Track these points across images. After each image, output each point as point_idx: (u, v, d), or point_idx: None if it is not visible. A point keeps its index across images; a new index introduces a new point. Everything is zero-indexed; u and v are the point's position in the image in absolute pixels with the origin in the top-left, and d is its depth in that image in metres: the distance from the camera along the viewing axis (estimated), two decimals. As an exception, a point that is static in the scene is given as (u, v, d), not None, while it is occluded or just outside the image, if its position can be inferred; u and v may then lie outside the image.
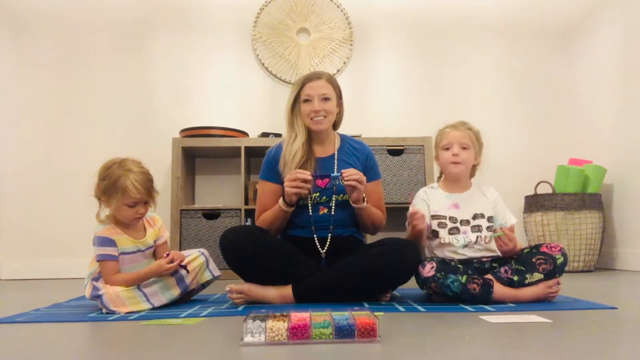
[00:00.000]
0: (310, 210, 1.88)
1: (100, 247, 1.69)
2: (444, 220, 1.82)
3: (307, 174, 1.75)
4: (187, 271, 1.76)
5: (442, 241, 1.81)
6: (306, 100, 1.90)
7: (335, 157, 1.96)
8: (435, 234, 1.83)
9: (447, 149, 1.85)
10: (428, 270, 1.66)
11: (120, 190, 1.68)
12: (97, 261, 1.70)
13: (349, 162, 1.95)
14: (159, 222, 1.87)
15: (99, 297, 1.65)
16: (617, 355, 0.99)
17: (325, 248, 1.87)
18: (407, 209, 1.92)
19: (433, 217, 1.84)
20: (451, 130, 1.86)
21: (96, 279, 1.70)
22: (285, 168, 1.88)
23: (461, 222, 1.82)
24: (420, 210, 1.77)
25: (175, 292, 1.75)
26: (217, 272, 1.91)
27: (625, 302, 1.73)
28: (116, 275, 1.69)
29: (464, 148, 1.83)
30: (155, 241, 1.83)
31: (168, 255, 1.71)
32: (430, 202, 1.87)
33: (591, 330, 1.25)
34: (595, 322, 1.34)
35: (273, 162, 1.96)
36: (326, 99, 1.90)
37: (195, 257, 1.85)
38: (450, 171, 1.86)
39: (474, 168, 1.92)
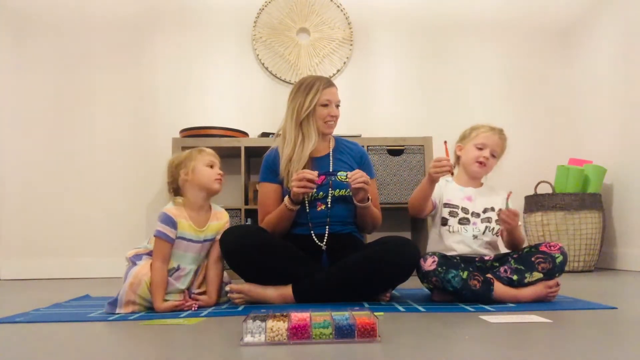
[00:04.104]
0: (307, 208, 1.89)
1: (160, 224, 1.69)
2: (455, 210, 1.84)
3: (313, 174, 1.77)
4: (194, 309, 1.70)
5: (451, 230, 1.82)
6: (324, 105, 1.94)
7: (331, 156, 2.00)
8: (444, 222, 1.84)
9: (480, 148, 1.86)
10: (429, 264, 1.66)
11: (194, 153, 1.79)
12: (154, 235, 1.69)
13: (344, 160, 2.00)
14: (225, 217, 1.84)
15: (133, 264, 1.67)
16: (617, 355, 0.99)
17: (325, 241, 1.88)
18: (407, 209, 1.93)
19: (445, 205, 1.86)
20: (491, 134, 1.87)
21: (138, 258, 1.71)
22: (291, 169, 1.89)
23: (472, 214, 1.84)
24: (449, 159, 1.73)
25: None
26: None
27: (625, 302, 1.73)
28: (157, 262, 1.65)
29: (494, 155, 1.87)
30: (216, 236, 1.79)
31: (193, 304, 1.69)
32: (444, 190, 1.89)
33: (591, 330, 1.25)
34: (595, 322, 1.34)
35: (272, 165, 1.98)
36: (338, 106, 1.99)
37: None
38: (473, 170, 1.88)
39: None
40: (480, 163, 1.85)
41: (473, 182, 1.92)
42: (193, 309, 1.67)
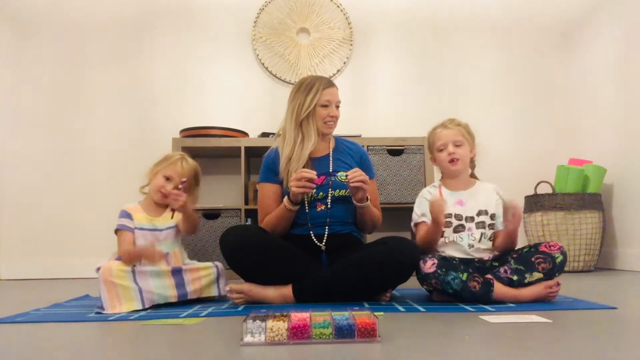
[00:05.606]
0: (307, 208, 1.89)
1: (119, 219, 1.87)
2: (449, 219, 1.82)
3: (312, 173, 1.77)
4: (180, 188, 1.86)
5: (447, 240, 1.81)
6: (324, 105, 1.94)
7: (330, 156, 2.00)
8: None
9: (442, 149, 1.86)
10: (429, 266, 1.66)
11: (168, 160, 1.95)
12: (115, 232, 1.87)
13: (344, 160, 2.00)
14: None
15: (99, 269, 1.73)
16: (617, 355, 0.99)
17: (324, 241, 1.87)
18: (407, 209, 1.92)
19: None
20: (442, 130, 1.88)
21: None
22: (291, 169, 1.89)
23: (466, 219, 1.82)
24: (438, 198, 1.71)
25: (172, 294, 1.76)
26: (224, 292, 1.88)
27: (625, 302, 1.73)
28: (125, 248, 1.81)
29: (458, 145, 1.85)
30: (172, 224, 1.92)
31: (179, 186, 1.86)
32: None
33: (591, 330, 1.25)
34: (595, 322, 1.34)
35: (272, 165, 1.99)
36: (338, 106, 1.99)
37: (207, 268, 1.88)
38: (450, 170, 1.87)
39: (471, 161, 1.94)
40: (451, 161, 1.85)
41: (461, 183, 1.89)
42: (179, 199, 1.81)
